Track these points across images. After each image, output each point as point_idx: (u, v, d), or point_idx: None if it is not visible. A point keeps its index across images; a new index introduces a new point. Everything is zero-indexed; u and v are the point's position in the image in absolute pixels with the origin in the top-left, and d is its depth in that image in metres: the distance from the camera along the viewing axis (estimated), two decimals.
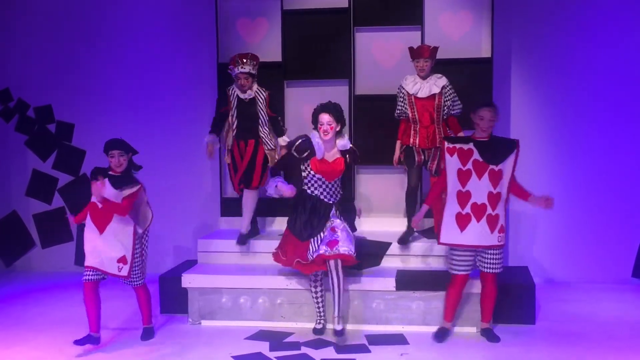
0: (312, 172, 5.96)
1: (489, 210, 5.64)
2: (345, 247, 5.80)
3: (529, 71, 7.80)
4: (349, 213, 6.15)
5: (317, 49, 7.52)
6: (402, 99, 6.63)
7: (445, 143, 5.76)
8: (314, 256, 5.84)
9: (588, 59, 7.68)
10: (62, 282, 8.14)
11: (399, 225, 7.03)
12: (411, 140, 6.62)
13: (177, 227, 8.40)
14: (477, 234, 5.64)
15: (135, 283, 5.87)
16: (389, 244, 6.72)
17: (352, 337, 6.03)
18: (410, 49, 6.62)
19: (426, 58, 6.52)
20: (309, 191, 5.99)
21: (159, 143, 8.36)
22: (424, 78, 6.56)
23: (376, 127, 7.38)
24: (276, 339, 6.04)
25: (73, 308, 6.89)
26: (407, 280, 6.30)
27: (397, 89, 6.68)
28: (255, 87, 6.79)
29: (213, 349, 5.82)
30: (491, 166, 5.63)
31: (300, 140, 5.97)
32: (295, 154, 5.96)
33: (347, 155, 6.06)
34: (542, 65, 7.76)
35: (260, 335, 6.19)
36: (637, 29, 7.65)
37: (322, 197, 5.99)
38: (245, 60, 6.67)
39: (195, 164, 8.23)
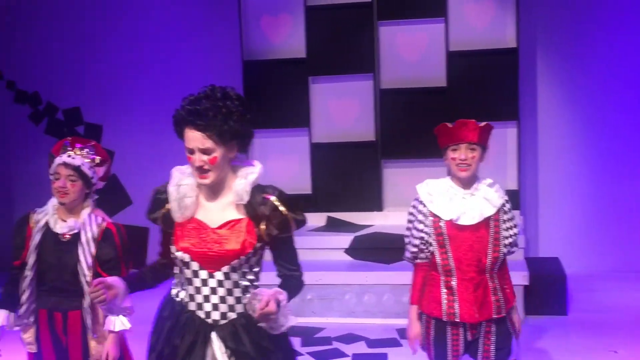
0: (176, 251, 2.80)
1: None
2: None
3: (554, 61, 7.70)
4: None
5: (341, 44, 7.50)
6: (416, 224, 3.58)
7: None
8: None
9: (610, 49, 7.53)
10: None
11: None
12: (445, 307, 3.53)
13: None
14: None
15: None
16: None
17: (384, 332, 6.05)
18: (443, 127, 3.52)
19: (472, 143, 3.47)
20: (173, 292, 2.89)
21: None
22: (465, 184, 3.56)
23: (402, 120, 7.37)
24: (308, 334, 6.08)
25: None
26: None
27: (410, 206, 3.66)
28: (88, 209, 3.67)
29: None
30: None
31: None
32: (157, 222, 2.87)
33: (266, 216, 2.78)
34: (567, 55, 7.65)
35: (291, 331, 6.22)
36: None
37: (193, 306, 2.81)
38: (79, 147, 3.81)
39: None
